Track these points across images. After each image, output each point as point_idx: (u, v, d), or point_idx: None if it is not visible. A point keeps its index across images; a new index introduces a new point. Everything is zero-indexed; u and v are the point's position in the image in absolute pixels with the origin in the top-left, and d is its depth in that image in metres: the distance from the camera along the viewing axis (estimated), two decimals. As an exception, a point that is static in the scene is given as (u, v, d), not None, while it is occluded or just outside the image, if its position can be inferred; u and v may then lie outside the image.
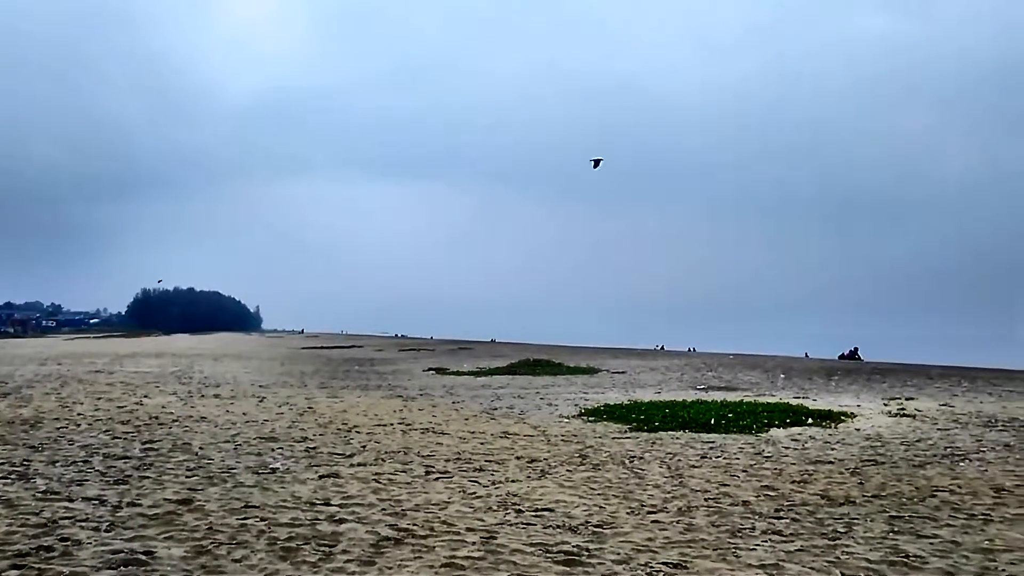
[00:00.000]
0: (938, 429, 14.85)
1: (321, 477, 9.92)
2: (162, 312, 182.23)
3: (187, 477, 9.67)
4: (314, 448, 12.13)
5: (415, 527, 7.55)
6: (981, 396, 20.56)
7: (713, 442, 13.41)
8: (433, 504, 8.57)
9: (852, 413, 17.12)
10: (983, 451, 12.41)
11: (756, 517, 8.20)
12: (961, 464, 11.38)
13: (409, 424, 15.24)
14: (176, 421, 14.84)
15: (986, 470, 10.90)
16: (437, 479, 9.98)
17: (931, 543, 7.25)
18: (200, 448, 11.81)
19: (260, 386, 24.17)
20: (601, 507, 8.56)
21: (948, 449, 12.63)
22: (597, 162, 34.46)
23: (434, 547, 6.88)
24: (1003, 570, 6.43)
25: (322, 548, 6.76)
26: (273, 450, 11.81)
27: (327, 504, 8.44)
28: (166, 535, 7.02)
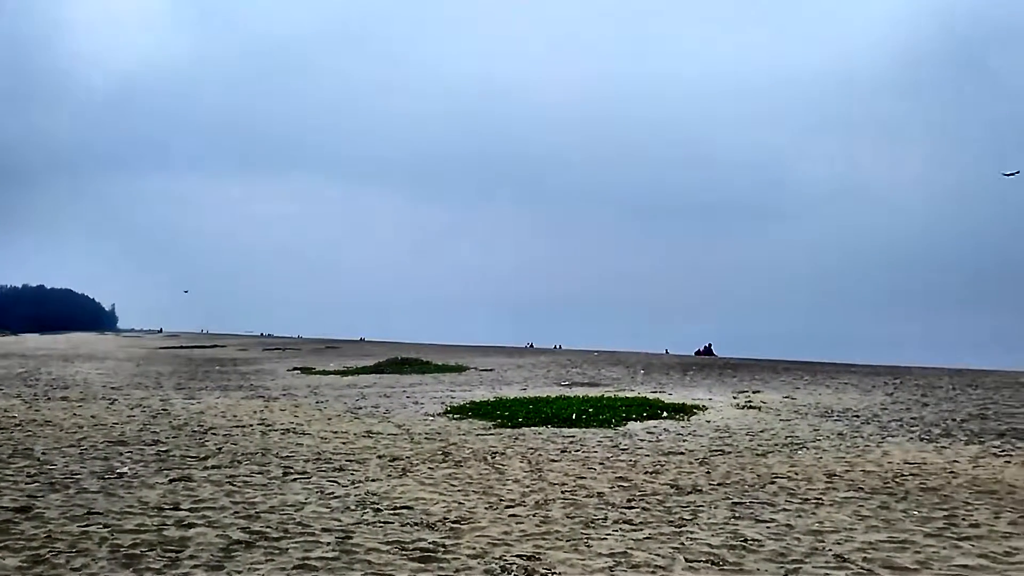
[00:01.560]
0: (780, 420, 15.63)
1: (172, 481, 9.54)
2: (9, 311, 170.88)
3: (27, 484, 9.11)
4: (166, 451, 11.65)
5: (268, 529, 7.37)
6: (820, 389, 21.77)
7: (574, 436, 13.67)
8: (289, 505, 8.38)
9: (704, 406, 17.79)
10: (819, 440, 13.14)
11: (609, 507, 8.41)
12: (799, 452, 12.01)
13: (269, 425, 14.85)
14: (18, 426, 13.96)
15: (821, 457, 11.55)
16: (295, 480, 9.77)
17: (768, 527, 7.62)
18: (43, 453, 11.16)
19: (112, 388, 23.02)
20: (460, 503, 8.57)
21: (788, 438, 13.31)
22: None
23: (287, 549, 6.73)
24: (829, 549, 6.82)
25: (168, 554, 6.50)
26: (121, 454, 11.27)
27: (176, 509, 8.13)
28: (0, 545, 6.60)
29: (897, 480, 9.93)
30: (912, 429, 14.14)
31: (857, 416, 15.98)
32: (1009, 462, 10.99)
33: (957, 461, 11.15)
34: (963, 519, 7.93)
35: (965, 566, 6.35)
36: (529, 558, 6.51)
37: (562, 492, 9.18)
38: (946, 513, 8.18)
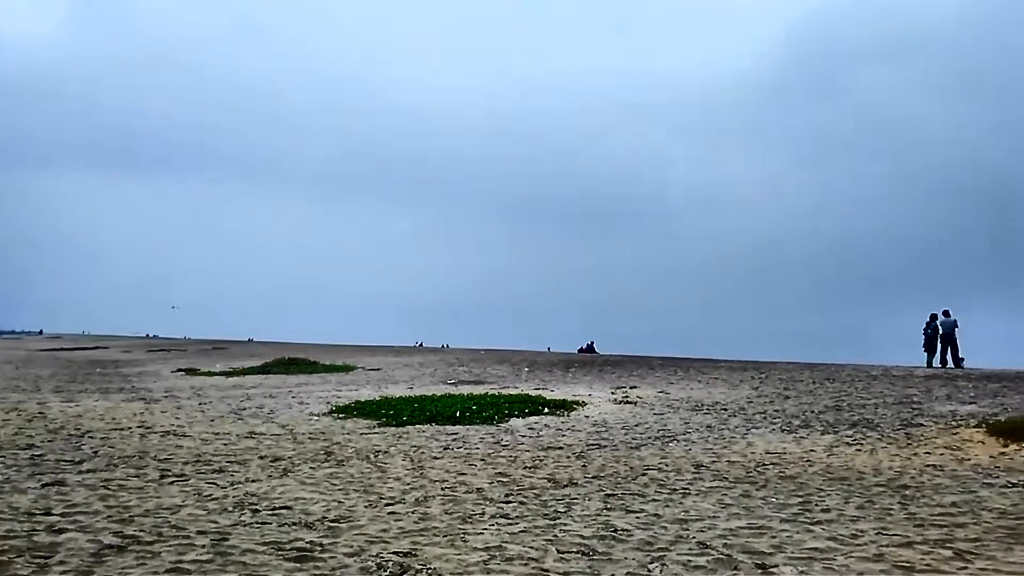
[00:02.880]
0: (654, 414, 16.04)
1: (44, 486, 9.04)
2: None
3: None
4: (40, 456, 11.04)
5: (142, 533, 7.06)
6: (692, 384, 22.44)
7: (457, 434, 13.66)
8: (165, 508, 8.06)
9: (584, 402, 18.08)
10: (689, 432, 13.55)
11: (487, 503, 8.44)
12: (670, 445, 12.35)
13: (149, 427, 14.26)
14: None
15: (690, 449, 11.91)
16: (172, 483, 9.40)
17: (638, 517, 7.80)
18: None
19: (-17, 392, 21.65)
20: (340, 502, 8.43)
21: (661, 432, 13.67)
22: None
23: (160, 552, 6.47)
24: (693, 537, 7.03)
25: (37, 560, 6.14)
26: (-11, 460, 10.61)
27: (48, 514, 7.70)
28: None
29: (759, 469, 10.32)
30: (774, 421, 14.74)
31: (725, 409, 16.56)
32: (860, 450, 11.59)
33: (814, 450, 11.68)
34: (816, 504, 8.31)
35: (816, 549, 6.64)
36: (405, 554, 6.45)
37: (442, 489, 9.15)
38: (801, 499, 8.55)
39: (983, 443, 11.82)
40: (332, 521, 7.59)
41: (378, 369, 31.15)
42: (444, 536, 7.05)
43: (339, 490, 9.08)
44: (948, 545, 6.67)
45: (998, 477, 9.54)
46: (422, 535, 7.09)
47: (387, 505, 8.33)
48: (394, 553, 6.49)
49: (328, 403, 18.65)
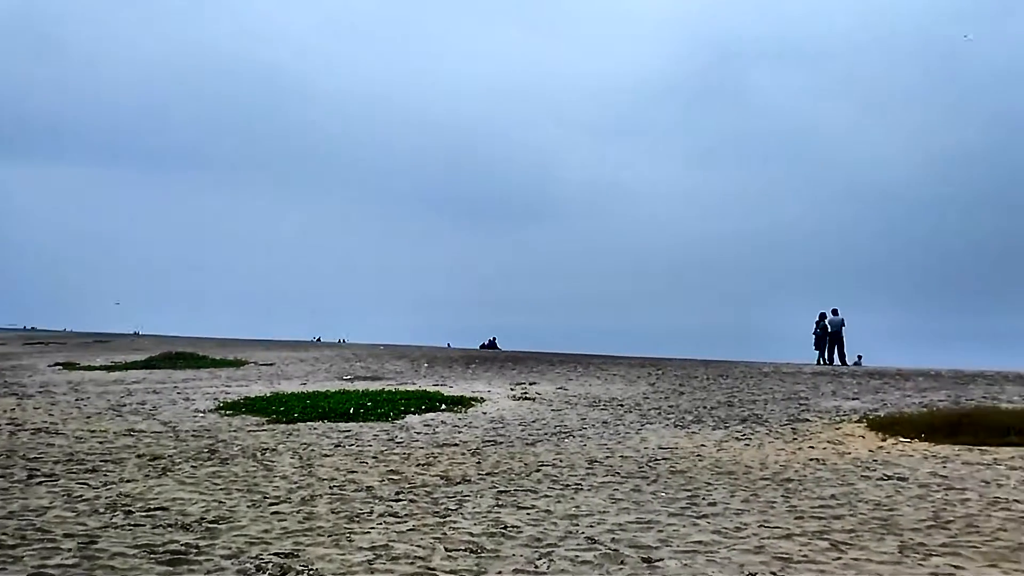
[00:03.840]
0: (552, 410, 16.18)
1: None
2: None
3: None
4: None
5: (3, 537, 6.69)
6: (591, 380, 22.75)
7: (350, 431, 13.46)
8: (30, 511, 7.66)
9: (482, 398, 18.09)
10: (585, 428, 13.72)
11: (376, 501, 8.33)
12: (566, 440, 12.47)
13: (19, 424, 13.56)
14: None
15: (585, 445, 12.05)
16: (40, 483, 8.96)
17: (529, 513, 7.83)
18: None
19: None
20: (221, 502, 8.18)
21: (557, 427, 13.79)
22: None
23: (23, 556, 6.14)
24: (582, 532, 7.10)
25: None
26: None
27: None
28: None
29: (651, 464, 10.52)
30: (668, 416, 15.07)
31: (621, 405, 16.83)
32: (748, 445, 11.95)
33: (704, 445, 11.98)
34: (704, 499, 8.51)
35: (700, 542, 6.80)
36: (287, 555, 6.30)
37: (330, 487, 8.99)
38: (689, 494, 8.75)
39: (863, 437, 12.38)
40: (211, 522, 7.35)
41: (271, 364, 30.43)
42: (329, 536, 6.92)
43: (221, 490, 8.81)
44: (825, 536, 6.93)
45: (875, 470, 9.98)
46: (306, 535, 6.94)
47: (271, 505, 8.13)
48: (275, 554, 6.33)
49: (216, 399, 18.09)
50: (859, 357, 30.81)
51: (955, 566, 6.02)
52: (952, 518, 7.54)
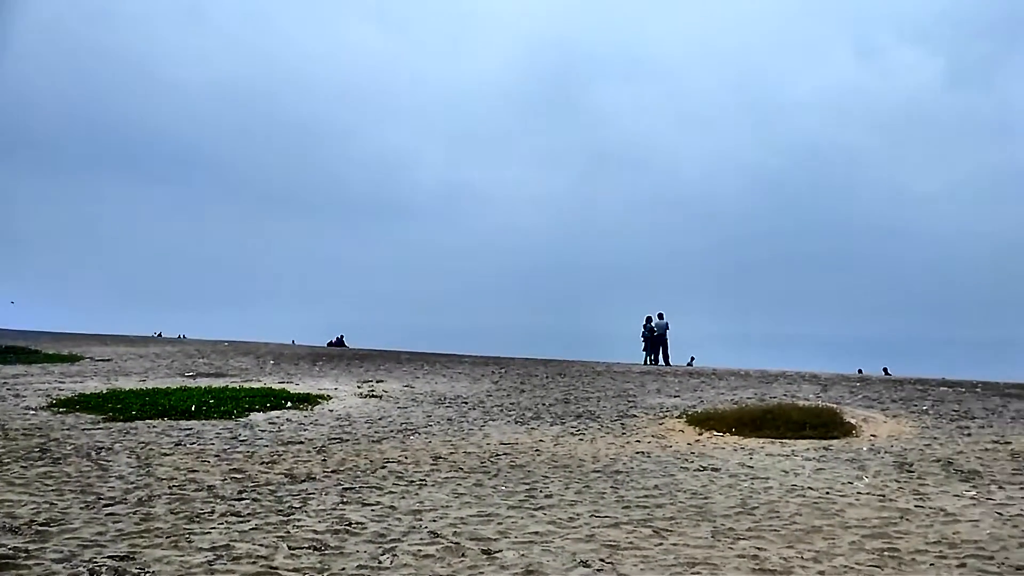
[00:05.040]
0: (398, 407, 16.07)
1: None
2: None
3: None
4: None
5: None
6: (437, 378, 22.77)
7: (191, 429, 12.88)
8: None
9: (329, 395, 17.74)
10: (431, 425, 13.71)
11: (218, 500, 8.02)
12: (411, 437, 12.42)
13: None
14: None
15: (430, 441, 12.05)
16: None
17: (373, 509, 7.75)
18: None
19: None
20: (53, 503, 7.65)
21: (403, 425, 13.72)
22: None
23: None
24: (425, 527, 7.11)
25: None
26: None
27: None
28: None
29: (492, 459, 10.65)
30: (510, 413, 15.30)
31: (466, 403, 16.94)
32: (582, 440, 12.31)
33: (543, 440, 12.25)
34: (540, 491, 8.70)
35: (537, 532, 6.95)
36: (123, 558, 5.96)
37: (169, 487, 8.57)
38: (528, 487, 8.92)
39: (683, 432, 13.02)
40: (41, 525, 6.86)
41: (109, 360, 28.66)
42: (167, 537, 6.60)
43: (52, 491, 8.23)
44: (649, 524, 7.25)
45: (692, 462, 10.52)
46: (143, 537, 6.60)
47: (106, 506, 7.67)
48: (110, 557, 5.98)
49: (48, 396, 16.85)
50: (692, 358, 32.38)
51: (759, 548, 6.44)
52: (757, 505, 8.06)
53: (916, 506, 7.93)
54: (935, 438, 12.30)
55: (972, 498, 8.25)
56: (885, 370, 30.26)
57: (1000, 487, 8.78)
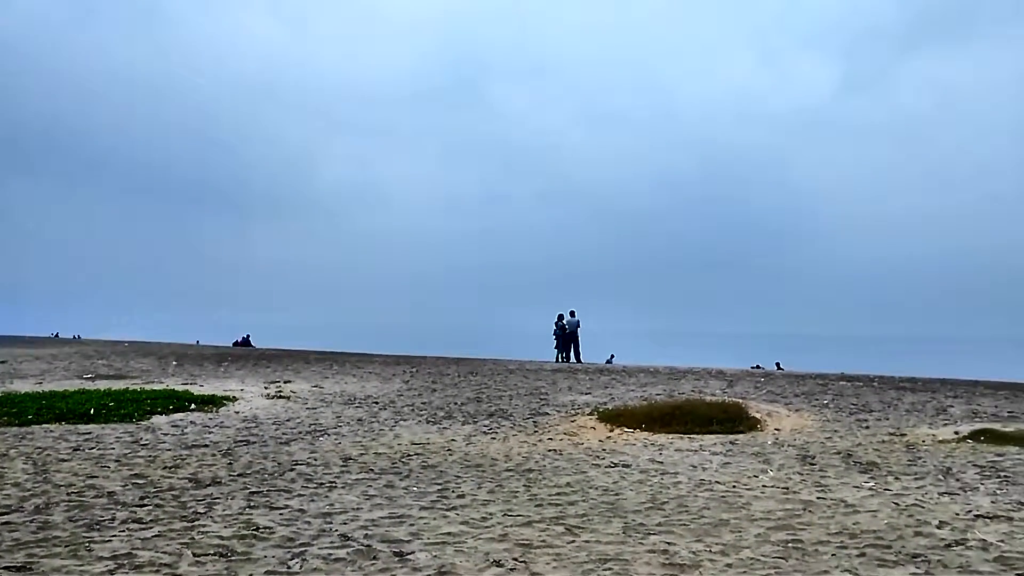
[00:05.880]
0: (307, 408, 15.78)
1: None
2: None
3: None
4: None
5: None
6: (347, 378, 22.44)
7: (90, 433, 12.36)
8: None
9: (235, 397, 17.28)
10: (340, 426, 13.51)
11: (119, 507, 7.70)
12: (321, 439, 12.21)
13: None
14: None
15: (340, 443, 11.87)
16: None
17: (281, 513, 7.57)
18: None
19: None
20: (-63, 516, 7.21)
21: (312, 426, 13.47)
22: None
23: None
24: (336, 530, 6.98)
25: None
26: None
27: None
28: None
29: (403, 460, 10.56)
30: (421, 413, 15.21)
31: (376, 403, 16.76)
32: (495, 439, 12.33)
33: (455, 440, 12.21)
34: (453, 491, 8.67)
35: (449, 533, 6.92)
36: (19, 569, 5.65)
37: (68, 494, 8.19)
38: (440, 487, 8.88)
39: (594, 429, 13.19)
40: (-76, 539, 6.46)
41: (4, 362, 27.26)
42: (66, 546, 6.30)
43: (-63, 502, 7.76)
44: (561, 521, 7.31)
45: (604, 459, 10.67)
46: (40, 546, 6.28)
47: (2, 515, 7.27)
48: (5, 568, 5.67)
49: (-68, 401, 15.89)
50: (611, 356, 32.85)
51: (668, 543, 6.57)
52: (667, 500, 8.22)
53: (818, 498, 8.24)
54: (835, 431, 12.83)
55: (871, 489, 8.63)
56: (778, 365, 31.38)
57: (896, 478, 9.21)
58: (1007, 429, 12.39)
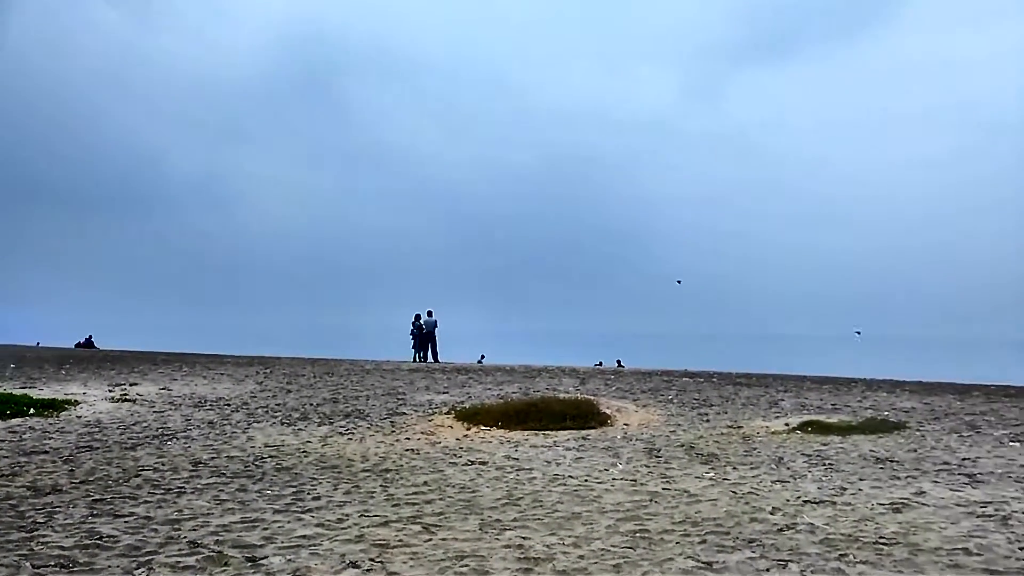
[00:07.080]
0: (155, 412, 15.06)
1: None
2: None
3: None
4: None
5: None
6: (197, 380, 21.53)
7: (-92, 442, 11.31)
8: None
9: (77, 401, 16.25)
10: (190, 429, 12.98)
11: (-56, 521, 7.12)
12: (169, 443, 11.70)
13: None
14: None
15: (189, 447, 11.42)
16: None
17: (126, 521, 7.24)
18: None
19: None
20: None
21: (160, 430, 12.88)
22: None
23: None
24: (185, 536, 6.74)
25: None
26: None
27: None
28: None
29: (257, 463, 10.28)
30: (276, 414, 14.82)
31: (228, 405, 16.19)
32: (351, 439, 12.20)
33: (310, 441, 12.00)
34: (308, 493, 8.53)
35: (304, 536, 6.81)
36: None
37: None
38: (295, 489, 8.72)
39: (452, 427, 13.30)
40: None
41: None
42: None
43: None
44: (418, 520, 7.35)
45: (461, 456, 10.79)
46: None
47: None
48: None
49: None
50: (482, 356, 32.97)
51: (524, 537, 6.74)
52: (522, 495, 8.42)
53: (664, 489, 8.66)
54: (679, 425, 13.49)
55: (711, 479, 9.15)
56: (619, 362, 32.55)
57: (734, 468, 9.81)
58: (831, 420, 13.46)
